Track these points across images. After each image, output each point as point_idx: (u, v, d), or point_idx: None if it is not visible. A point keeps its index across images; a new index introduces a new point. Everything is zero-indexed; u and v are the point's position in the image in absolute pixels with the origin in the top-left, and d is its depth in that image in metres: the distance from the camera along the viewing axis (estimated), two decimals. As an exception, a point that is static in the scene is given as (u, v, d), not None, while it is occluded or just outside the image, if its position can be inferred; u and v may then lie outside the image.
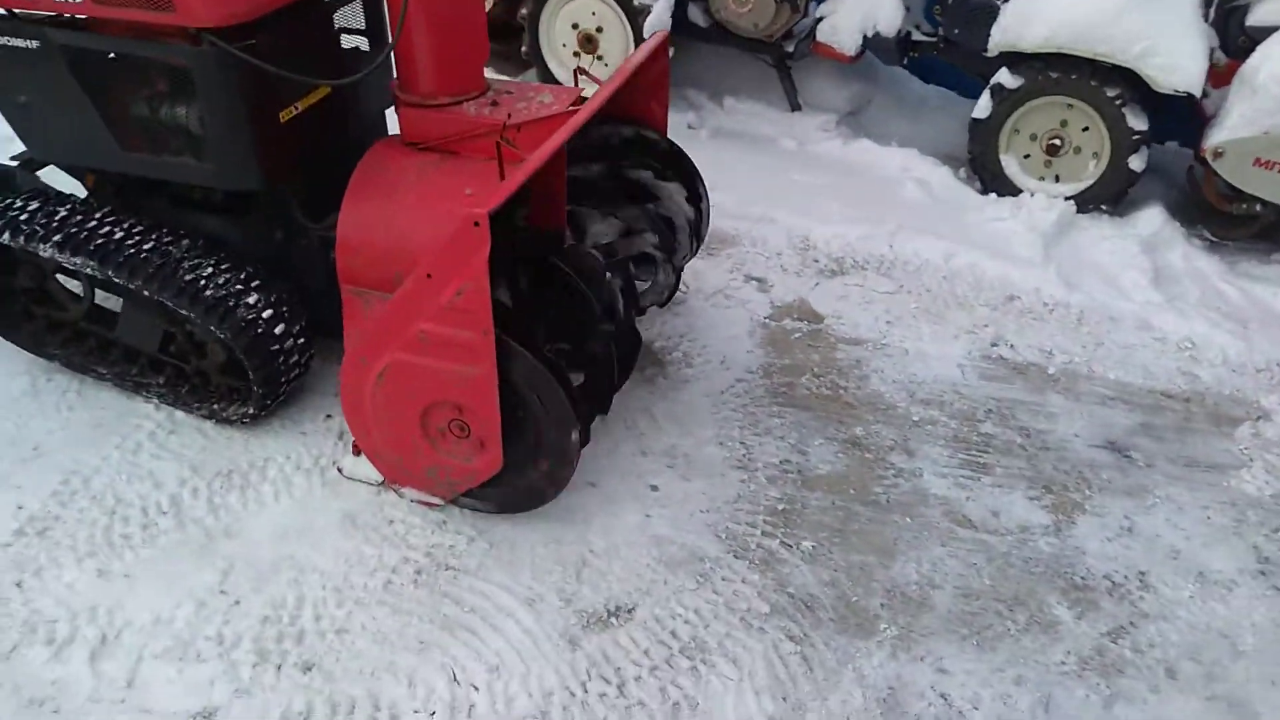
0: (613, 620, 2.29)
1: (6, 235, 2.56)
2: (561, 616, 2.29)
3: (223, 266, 2.59)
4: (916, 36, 4.29)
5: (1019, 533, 2.60)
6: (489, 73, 4.57)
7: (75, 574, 2.31)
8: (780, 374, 3.08)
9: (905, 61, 4.39)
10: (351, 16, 2.84)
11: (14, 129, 2.63)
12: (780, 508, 2.61)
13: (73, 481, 2.53)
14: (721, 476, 2.69)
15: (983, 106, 3.93)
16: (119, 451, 2.63)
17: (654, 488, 2.64)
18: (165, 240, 2.61)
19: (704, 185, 3.12)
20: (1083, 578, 2.49)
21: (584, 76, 2.93)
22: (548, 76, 4.60)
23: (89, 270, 2.55)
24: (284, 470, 2.61)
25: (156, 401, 2.77)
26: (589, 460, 2.67)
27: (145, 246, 2.57)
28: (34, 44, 2.39)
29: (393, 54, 2.53)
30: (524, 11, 4.49)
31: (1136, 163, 3.74)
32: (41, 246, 2.54)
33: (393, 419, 2.35)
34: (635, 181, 2.97)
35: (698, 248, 3.18)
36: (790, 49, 4.36)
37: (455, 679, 2.14)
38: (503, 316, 2.23)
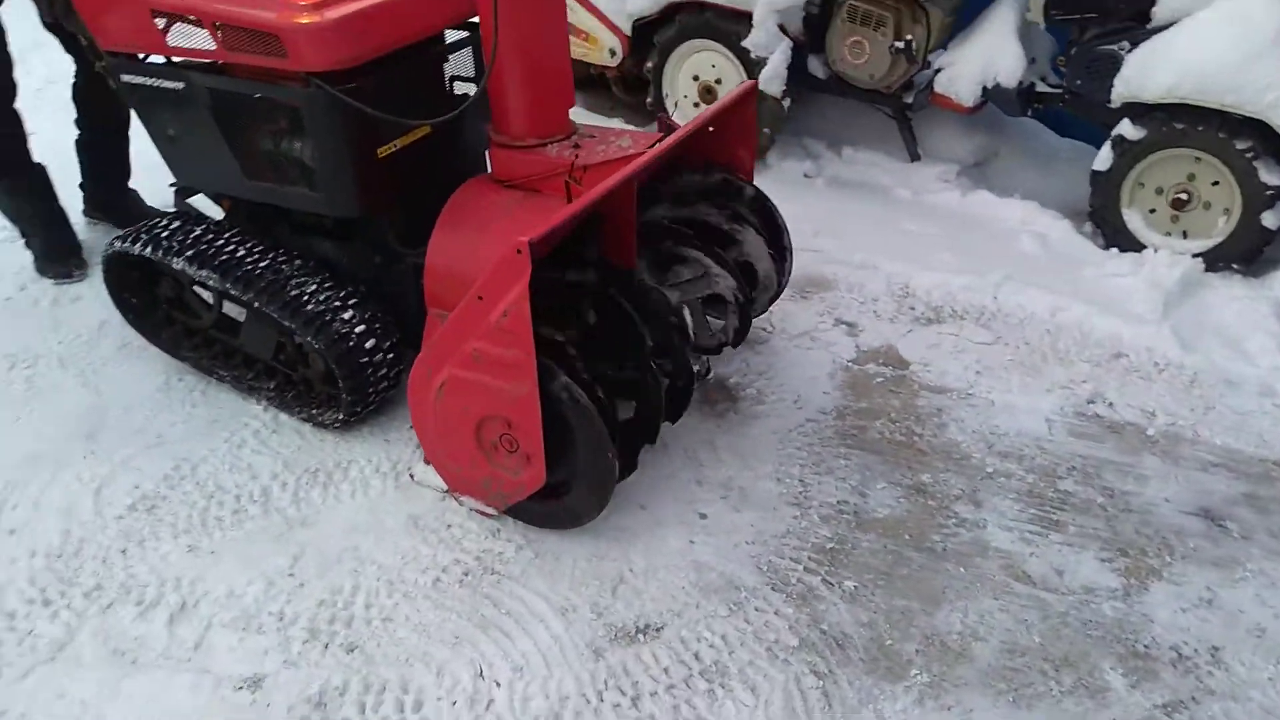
0: (639, 637, 2.35)
1: (149, 249, 2.92)
2: (590, 628, 2.36)
3: (326, 285, 2.86)
4: (1041, 88, 4.19)
5: (1082, 593, 2.48)
6: (618, 123, 4.84)
7: (170, 547, 2.58)
8: (854, 416, 3.07)
9: (1029, 113, 4.30)
10: (463, 64, 3.10)
11: (164, 159, 3.02)
12: (829, 546, 2.60)
13: (183, 468, 2.83)
14: (773, 511, 2.71)
15: (1103, 159, 3.80)
16: (226, 445, 2.93)
17: (703, 515, 2.69)
18: (280, 260, 2.90)
19: (788, 235, 3.18)
20: (1146, 646, 2.35)
21: (669, 123, 3.05)
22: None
23: (213, 283, 2.88)
24: (364, 472, 2.82)
25: (265, 404, 3.06)
26: (643, 484, 2.76)
27: (261, 264, 2.88)
28: (180, 85, 2.75)
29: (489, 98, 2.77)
30: (649, 64, 4.70)
31: (1271, 220, 3.51)
32: (175, 260, 2.89)
33: (452, 430, 2.52)
34: (717, 227, 3.06)
35: (777, 295, 3.24)
36: (909, 100, 4.36)
37: (480, 674, 2.25)
38: (555, 344, 2.38)
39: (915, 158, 4.54)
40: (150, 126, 2.97)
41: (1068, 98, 4.09)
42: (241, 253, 2.91)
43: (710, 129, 3.06)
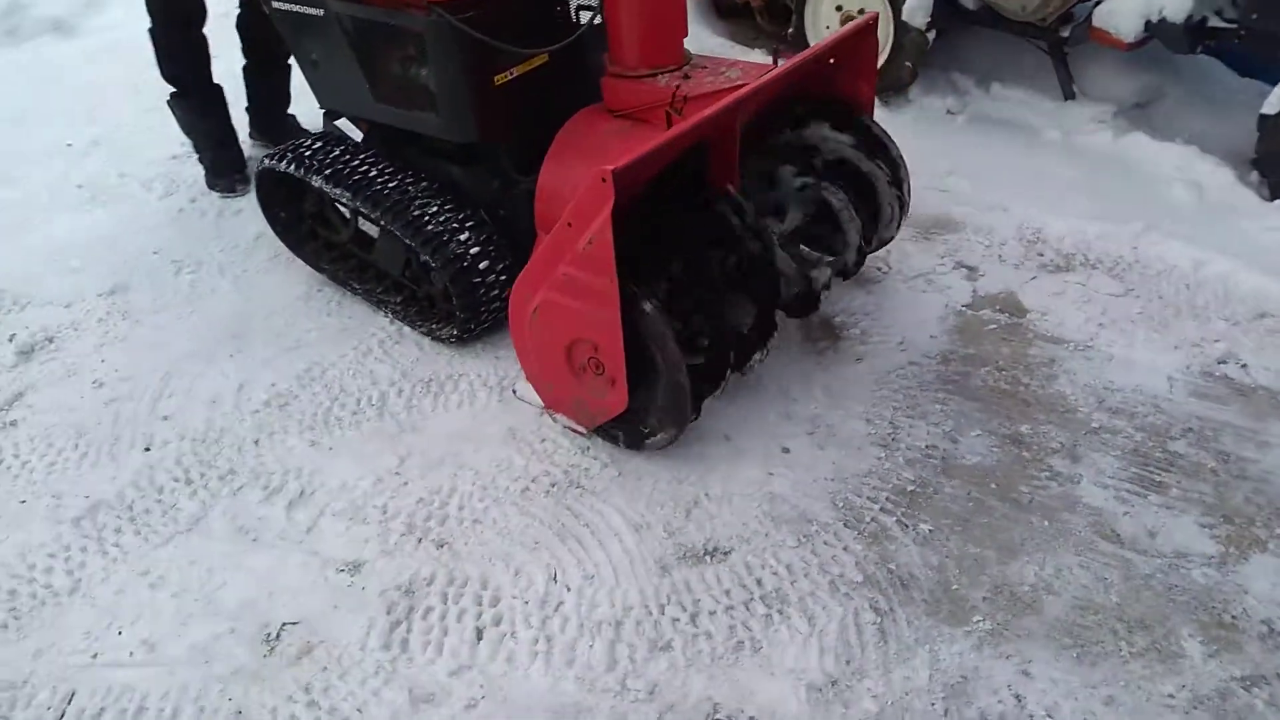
0: (706, 558, 2.44)
1: (291, 166, 3.17)
2: (661, 545, 2.47)
3: (446, 207, 3.02)
4: (1214, 22, 3.85)
5: (1173, 557, 2.38)
6: (758, 55, 4.77)
7: (296, 441, 2.85)
8: (959, 362, 3.01)
9: (1199, 50, 3.96)
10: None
11: (308, 82, 3.25)
12: (909, 489, 2.60)
13: (314, 370, 3.10)
14: (858, 450, 2.71)
15: (1275, 100, 3.48)
16: (354, 352, 3.17)
17: (786, 450, 2.73)
18: (407, 181, 3.09)
19: (905, 169, 3.11)
20: (1234, 617, 2.25)
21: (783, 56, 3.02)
22: (812, 58, 4.67)
23: (346, 200, 3.10)
24: (472, 385, 3.01)
25: (391, 317, 3.28)
26: (731, 416, 2.82)
27: (390, 185, 3.07)
28: (319, 12, 2.94)
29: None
30: (794, -7, 4.60)
31: None
32: (314, 178, 3.12)
33: (545, 351, 2.65)
34: (835, 153, 3.03)
35: (894, 232, 3.18)
36: (1065, 34, 4.10)
37: (554, 578, 2.40)
38: (644, 270, 2.45)
39: (1070, 96, 4.28)
40: (296, 51, 3.21)
41: (1244, 33, 3.75)
42: (373, 173, 3.11)
43: (831, 61, 3.02)
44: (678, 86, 2.82)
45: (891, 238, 3.20)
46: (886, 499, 2.57)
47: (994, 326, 3.15)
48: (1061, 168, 3.94)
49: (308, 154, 3.20)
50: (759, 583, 2.37)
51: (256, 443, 2.85)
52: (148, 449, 2.85)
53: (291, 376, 3.08)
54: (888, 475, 2.64)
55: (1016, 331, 3.13)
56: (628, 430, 2.68)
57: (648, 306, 2.38)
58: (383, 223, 3.01)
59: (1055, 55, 4.23)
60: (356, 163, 3.15)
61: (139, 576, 2.47)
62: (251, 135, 4.33)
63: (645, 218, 2.49)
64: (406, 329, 3.25)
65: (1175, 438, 2.71)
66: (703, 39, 5.22)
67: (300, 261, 3.50)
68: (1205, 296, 3.21)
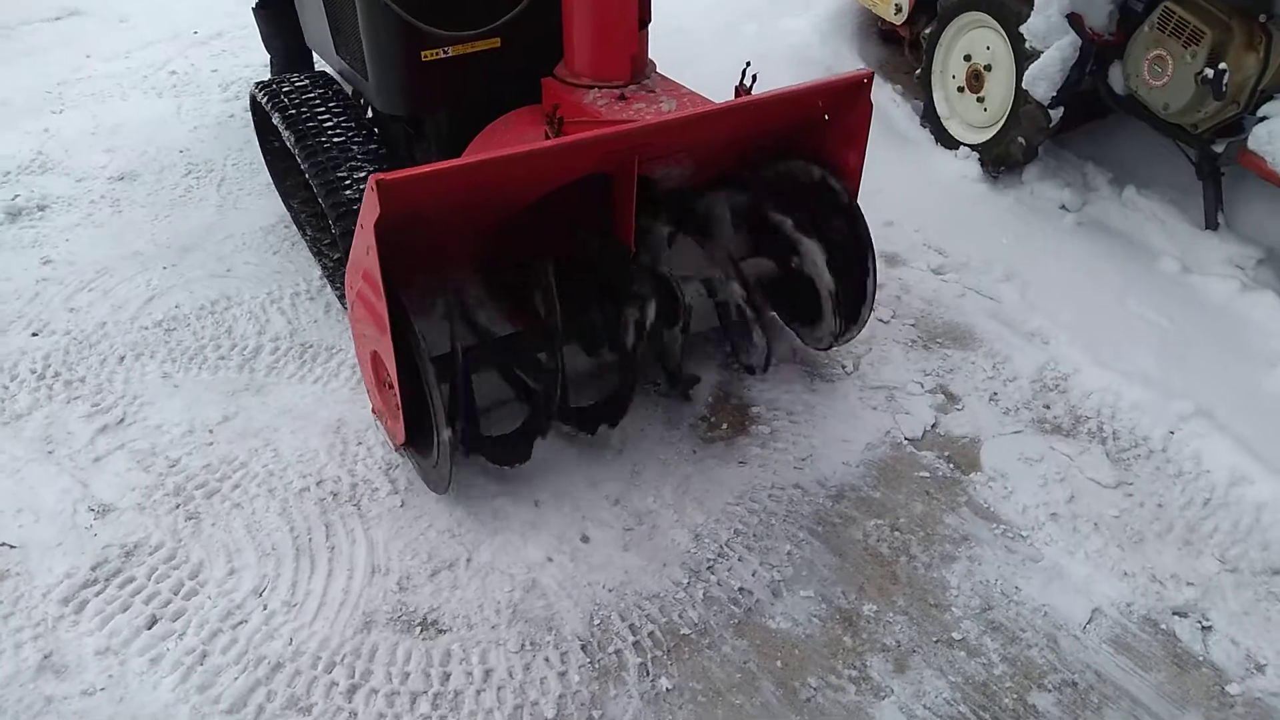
0: (416, 630, 2.16)
1: (265, 98, 3.10)
2: (382, 598, 2.22)
3: (369, 163, 2.85)
4: None
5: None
6: (891, 88, 4.20)
7: (153, 368, 2.83)
8: (852, 504, 2.50)
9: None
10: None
11: (300, 19, 3.18)
12: (684, 632, 2.18)
13: (220, 304, 3.08)
14: (661, 567, 2.31)
15: None
16: (266, 297, 3.12)
17: (585, 539, 2.38)
18: (355, 140, 2.90)
19: (874, 261, 2.61)
20: None
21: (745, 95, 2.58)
22: (930, 106, 4.07)
23: (289, 142, 3.00)
24: (343, 363, 2.86)
25: (322, 272, 3.19)
26: (553, 477, 2.51)
27: (335, 139, 2.90)
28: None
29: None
30: (927, 30, 4.00)
31: None
32: (275, 114, 3.04)
33: (360, 354, 2.45)
34: (776, 228, 2.60)
35: (842, 328, 2.69)
36: (1219, 149, 3.29)
37: (259, 592, 2.22)
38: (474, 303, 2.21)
39: (1212, 226, 3.45)
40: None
41: None
42: (329, 124, 2.98)
43: (825, 117, 2.57)
44: (604, 104, 2.49)
45: (825, 347, 2.72)
46: (650, 634, 2.17)
47: (925, 475, 2.60)
48: (1149, 307, 3.18)
49: (285, 90, 3.13)
50: (445, 678, 2.07)
51: (121, 360, 2.86)
52: (35, 334, 2.94)
53: (197, 303, 3.07)
54: (671, 607, 2.23)
55: (946, 490, 2.56)
56: (419, 460, 2.44)
57: (421, 342, 2.11)
58: (305, 171, 2.89)
59: (1204, 171, 3.40)
60: (322, 111, 3.04)
61: (-67, 453, 2.55)
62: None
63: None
64: (329, 289, 3.14)
65: (1046, 689, 2.10)
66: (849, 60, 4.71)
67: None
68: (1220, 524, 2.47)
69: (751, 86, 2.52)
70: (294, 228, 3.39)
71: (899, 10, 4.18)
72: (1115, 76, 3.48)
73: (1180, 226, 3.52)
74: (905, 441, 2.70)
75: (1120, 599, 2.28)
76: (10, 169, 3.77)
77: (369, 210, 1.97)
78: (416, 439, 2.36)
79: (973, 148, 3.90)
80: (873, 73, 2.46)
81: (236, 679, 2.05)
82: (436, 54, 2.64)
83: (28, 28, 5.20)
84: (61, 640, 2.11)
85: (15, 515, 2.39)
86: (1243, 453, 2.62)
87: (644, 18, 2.61)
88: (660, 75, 2.68)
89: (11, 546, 2.31)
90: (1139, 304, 3.21)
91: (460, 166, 1.99)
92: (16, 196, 3.55)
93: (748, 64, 2.51)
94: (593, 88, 2.55)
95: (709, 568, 2.32)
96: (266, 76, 4.25)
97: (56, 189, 3.61)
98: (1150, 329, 3.11)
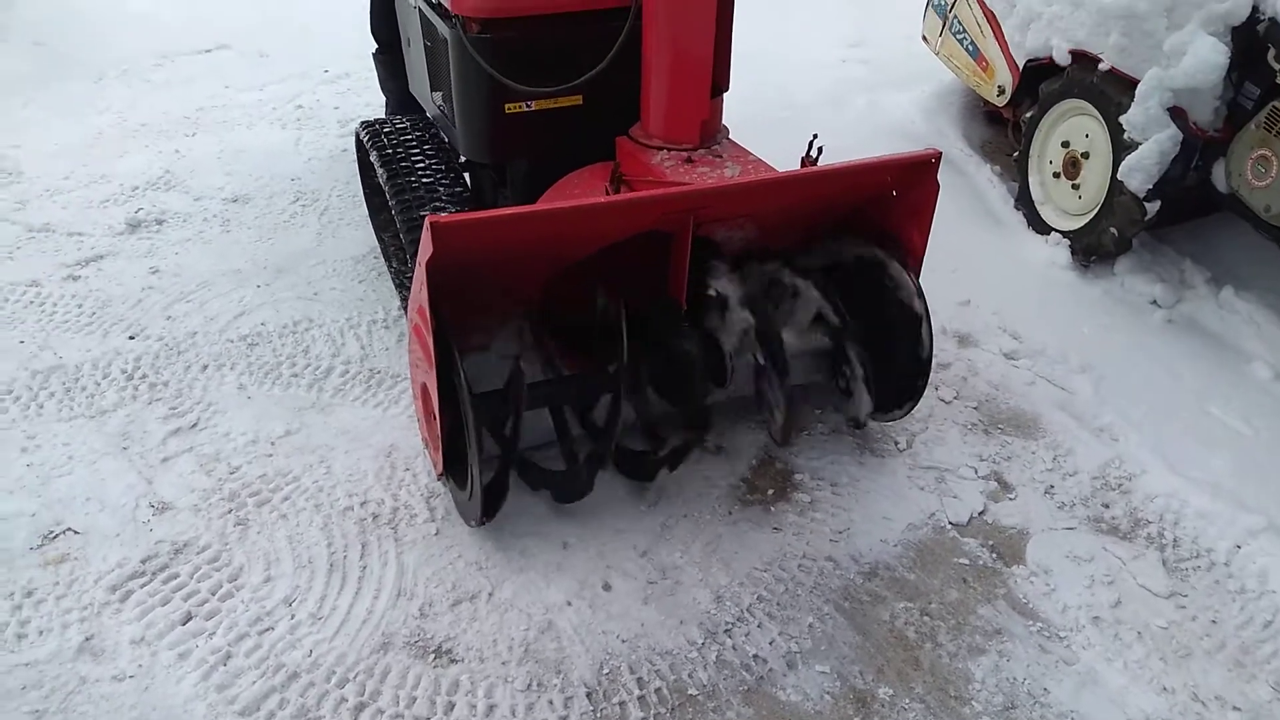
0: (431, 657, 2.21)
1: (367, 137, 3.28)
2: (404, 623, 2.28)
3: (448, 205, 2.99)
4: None
5: None
6: (989, 169, 4.17)
7: (231, 379, 3.00)
8: (884, 584, 2.45)
9: None
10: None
11: (406, 64, 3.37)
12: (692, 692, 2.16)
13: (302, 324, 3.24)
14: (679, 624, 2.31)
15: None
16: (345, 322, 3.26)
17: (607, 587, 2.39)
18: (443, 182, 3.06)
19: (930, 352, 2.59)
20: None
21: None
22: (1025, 189, 4.00)
23: (382, 180, 3.17)
24: (405, 391, 2.97)
25: (400, 302, 3.33)
26: (586, 520, 2.55)
27: (424, 180, 3.05)
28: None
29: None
30: (1028, 114, 3.95)
31: None
32: (372, 152, 3.22)
33: (413, 383, 2.54)
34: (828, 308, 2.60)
35: (874, 411, 2.66)
36: (1324, 255, 3.14)
37: (289, 601, 2.32)
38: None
39: (1312, 334, 3.28)
40: (401, 32, 3.32)
41: None
42: (420, 165, 3.14)
43: (894, 193, 2.58)
44: (670, 165, 2.55)
45: (861, 425, 2.70)
46: (657, 690, 2.17)
47: (964, 563, 2.52)
48: (1233, 416, 3.03)
49: (386, 130, 3.32)
50: (450, 708, 2.11)
51: (205, 369, 3.05)
52: (132, 337, 3.16)
53: (281, 322, 3.25)
54: (683, 666, 2.22)
55: (985, 580, 2.48)
56: (455, 492, 2.51)
57: (462, 373, 2.19)
58: (392, 207, 3.04)
59: (1307, 277, 3.25)
60: (416, 152, 3.20)
61: (24, 437, 2.75)
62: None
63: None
64: (404, 319, 3.28)
65: (1062, 801, 2.00)
66: (951, 138, 4.69)
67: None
68: (1278, 649, 2.32)
69: (817, 158, 2.55)
70: (382, 259, 3.56)
71: (1002, 92, 4.15)
72: (1218, 174, 3.37)
73: (1277, 333, 3.35)
74: (949, 526, 2.63)
75: (1156, 715, 2.16)
76: (139, 184, 4.08)
77: (424, 249, 2.07)
78: (455, 471, 2.43)
79: (1064, 234, 3.81)
80: (940, 152, 2.45)
81: (254, 683, 2.13)
82: (519, 107, 2.75)
83: (185, 58, 5.63)
84: (104, 625, 2.24)
85: (85, 503, 2.55)
86: (1319, 582, 2.46)
87: (720, 85, 2.67)
88: (731, 142, 2.73)
89: (76, 532, 2.47)
90: (1222, 409, 3.06)
91: (513, 215, 2.08)
92: (140, 210, 3.84)
93: (814, 136, 2.54)
94: (662, 149, 2.62)
95: (726, 630, 2.31)
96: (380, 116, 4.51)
97: (176, 205, 3.89)
98: (1230, 436, 2.96)
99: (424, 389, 2.42)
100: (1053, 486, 2.77)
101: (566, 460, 2.53)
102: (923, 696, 2.18)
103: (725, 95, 2.87)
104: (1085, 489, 2.76)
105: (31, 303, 3.31)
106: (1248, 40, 3.13)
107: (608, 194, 2.45)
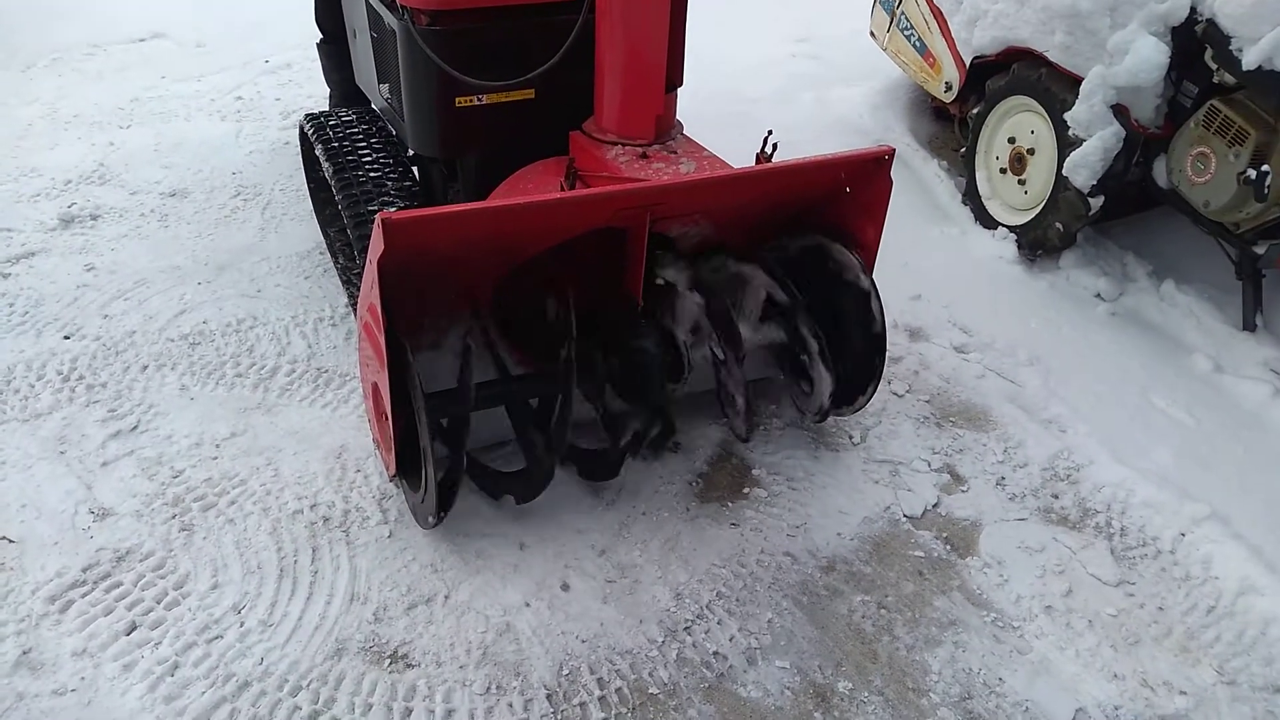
0: (386, 662, 2.17)
1: (310, 129, 3.22)
2: (357, 628, 2.23)
3: (397, 196, 2.93)
4: None
5: None
6: (936, 164, 4.20)
7: (173, 380, 2.91)
8: (841, 578, 2.46)
9: None
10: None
11: (351, 53, 3.29)
12: (653, 691, 2.15)
13: (246, 322, 3.16)
14: (638, 623, 2.29)
15: None
16: (291, 320, 3.19)
17: (565, 587, 2.37)
18: (391, 176, 3.01)
19: (883, 347, 2.60)
20: None
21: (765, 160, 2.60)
22: (972, 184, 4.05)
23: (327, 174, 3.10)
24: (354, 391, 2.91)
25: (348, 299, 3.27)
26: (540, 522, 2.51)
27: (371, 174, 3.00)
28: None
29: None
30: (974, 110, 4.00)
31: None
32: (318, 145, 3.15)
33: (363, 381, 2.49)
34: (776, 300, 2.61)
35: (835, 407, 2.68)
36: (1260, 250, 3.22)
37: (238, 609, 2.25)
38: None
39: (1249, 327, 3.36)
40: (346, 24, 3.25)
41: None
42: (367, 159, 3.08)
43: (848, 190, 2.58)
44: (625, 161, 2.53)
45: (816, 421, 2.72)
46: (618, 690, 2.15)
47: (919, 555, 2.54)
48: (1176, 407, 3.10)
49: (331, 123, 3.24)
50: (407, 713, 2.07)
51: (145, 369, 2.95)
52: (67, 337, 3.05)
53: (224, 321, 3.16)
54: (643, 665, 2.21)
55: (939, 572, 2.50)
56: (408, 493, 2.46)
57: (415, 373, 2.14)
58: (339, 201, 2.97)
59: (1243, 272, 3.33)
60: (363, 146, 3.13)
61: (-47, 441, 2.65)
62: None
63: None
64: (352, 317, 3.21)
65: (1018, 790, 2.03)
66: (898, 132, 4.73)
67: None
68: (1222, 634, 2.38)
69: (772, 155, 2.55)
70: (328, 255, 3.48)
71: (949, 88, 4.19)
72: (1159, 170, 3.44)
73: (1217, 325, 3.43)
74: (904, 519, 2.65)
75: (1108, 701, 2.20)
76: (72, 178, 3.94)
77: (375, 247, 2.02)
78: (408, 472, 2.39)
79: (1011, 229, 3.87)
80: (893, 149, 2.47)
81: (203, 693, 2.07)
82: (470, 101, 2.71)
83: (118, 47, 5.46)
84: (42, 638, 2.15)
85: (19, 510, 2.46)
86: (1256, 562, 2.53)
87: (674, 80, 2.65)
88: (686, 137, 2.72)
89: (10, 541, 2.38)
90: (1165, 401, 3.13)
91: (467, 211, 2.04)
92: (73, 204, 3.71)
93: (769, 132, 2.54)
94: (616, 144, 2.60)
95: (686, 628, 2.30)
96: (324, 108, 4.41)
97: (110, 200, 3.76)
98: (1173, 427, 3.03)
99: (375, 388, 2.37)
100: (1004, 478, 2.81)
101: (527, 457, 2.50)
102: (881, 689, 2.19)
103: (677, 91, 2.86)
104: (1035, 480, 2.81)
105: (-42, 302, 3.18)
106: (1186, 40, 3.20)
107: (563, 189, 2.42)
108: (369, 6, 2.91)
